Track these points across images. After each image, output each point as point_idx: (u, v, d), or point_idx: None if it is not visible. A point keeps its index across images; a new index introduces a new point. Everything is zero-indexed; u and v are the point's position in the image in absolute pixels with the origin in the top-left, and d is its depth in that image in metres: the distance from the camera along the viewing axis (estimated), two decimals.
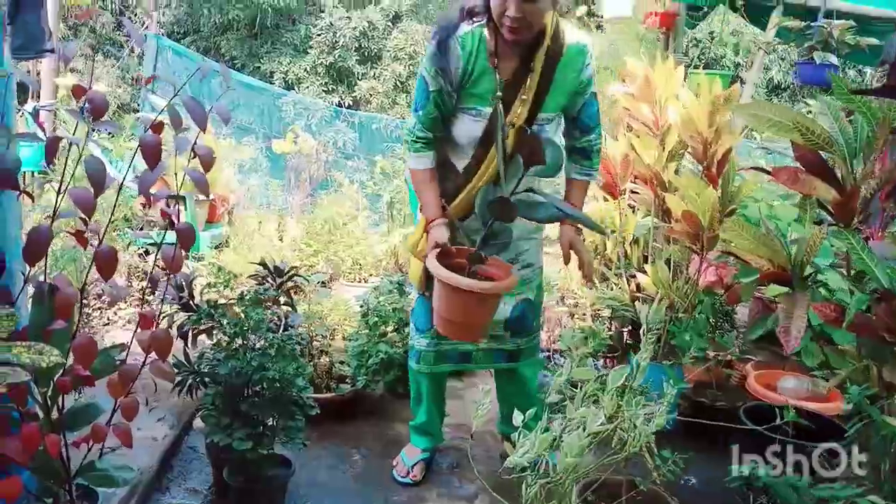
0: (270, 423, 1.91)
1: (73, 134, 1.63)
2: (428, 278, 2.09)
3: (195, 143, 1.72)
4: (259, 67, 9.96)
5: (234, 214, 4.47)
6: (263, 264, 2.69)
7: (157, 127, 1.73)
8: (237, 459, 1.90)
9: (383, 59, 9.83)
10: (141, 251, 3.92)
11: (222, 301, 2.35)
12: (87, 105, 1.57)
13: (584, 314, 3.13)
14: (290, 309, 2.66)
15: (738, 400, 2.50)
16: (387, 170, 5.18)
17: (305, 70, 9.73)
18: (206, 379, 2.04)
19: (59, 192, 1.72)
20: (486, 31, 1.94)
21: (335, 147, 6.92)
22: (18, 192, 1.55)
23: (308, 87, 9.52)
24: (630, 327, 3.23)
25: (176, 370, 2.25)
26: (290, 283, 2.72)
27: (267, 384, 1.89)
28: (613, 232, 3.44)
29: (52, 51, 4.26)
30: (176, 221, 1.77)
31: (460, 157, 2.09)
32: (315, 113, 7.69)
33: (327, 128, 7.40)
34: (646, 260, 3.39)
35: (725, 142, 2.69)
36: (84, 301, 1.72)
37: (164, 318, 2.31)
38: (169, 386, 2.04)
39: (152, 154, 1.66)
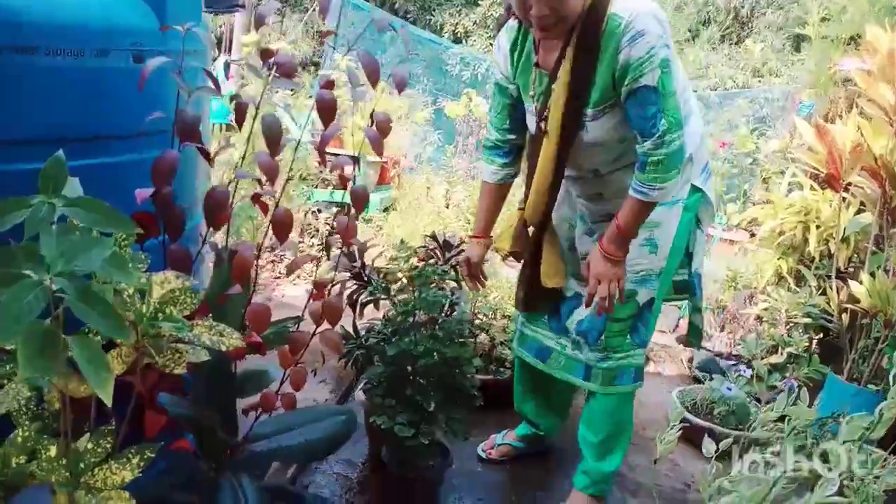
0: (433, 411, 1.82)
1: (256, 92, 1.59)
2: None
3: (373, 108, 1.63)
4: (430, 20, 9.98)
5: (402, 177, 4.45)
6: (434, 237, 2.62)
7: (331, 84, 1.65)
8: (396, 443, 1.84)
9: None
10: (314, 209, 4.01)
11: (395, 273, 2.31)
12: (273, 65, 1.52)
13: (776, 319, 2.78)
14: (455, 285, 2.57)
15: None
16: None
17: (475, 23, 9.62)
18: (373, 355, 1.99)
19: (243, 156, 1.70)
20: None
21: None
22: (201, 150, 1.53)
23: (476, 40, 9.42)
24: (822, 335, 2.85)
25: (343, 340, 2.24)
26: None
27: (434, 370, 1.80)
28: (819, 227, 3.05)
29: (242, 6, 4.43)
30: (351, 183, 1.71)
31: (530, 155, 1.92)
32: (479, 68, 7.64)
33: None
34: (851, 263, 2.97)
35: None
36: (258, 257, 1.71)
37: (334, 284, 2.30)
38: None
39: (328, 112, 1.59)
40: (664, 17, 1.56)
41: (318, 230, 3.85)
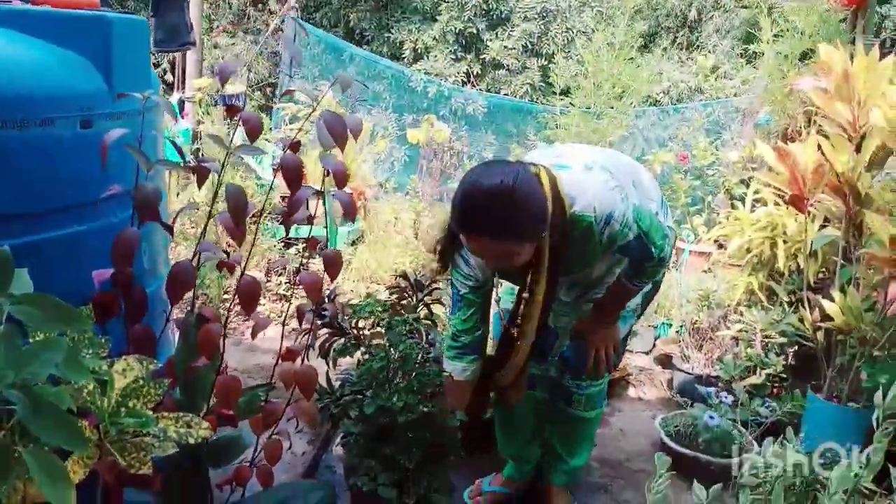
0: (415, 469, 1.76)
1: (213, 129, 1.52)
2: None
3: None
4: (388, 38, 9.87)
5: (368, 207, 4.38)
6: (405, 276, 2.56)
7: (296, 145, 1.60)
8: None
9: (512, 20, 9.50)
10: (281, 244, 3.92)
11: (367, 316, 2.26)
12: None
13: (752, 339, 2.78)
14: (430, 324, 2.52)
15: None
16: (520, 157, 4.94)
17: (434, 38, 9.52)
18: (349, 410, 1.92)
19: (208, 218, 1.63)
20: None
21: (463, 114, 6.90)
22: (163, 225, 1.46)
23: (436, 55, 9.34)
24: (796, 347, 2.86)
25: (317, 395, 2.17)
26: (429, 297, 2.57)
27: (414, 425, 1.75)
28: (786, 243, 3.07)
29: (193, 43, 4.33)
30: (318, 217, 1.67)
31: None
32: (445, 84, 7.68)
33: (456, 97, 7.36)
34: (820, 277, 2.99)
35: None
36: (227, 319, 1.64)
37: (304, 334, 2.23)
38: None
39: (294, 177, 1.53)
40: (609, 178, 1.67)
41: (284, 268, 3.76)
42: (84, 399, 1.11)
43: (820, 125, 2.67)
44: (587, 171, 1.69)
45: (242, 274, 1.49)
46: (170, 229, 1.42)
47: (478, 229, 1.55)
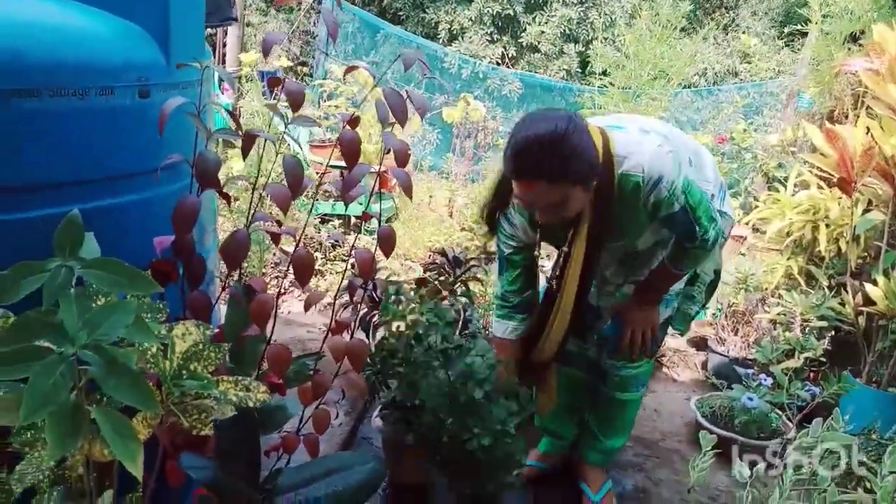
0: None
1: (268, 128, 1.54)
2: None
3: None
4: (423, 18, 9.80)
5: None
6: (443, 253, 2.58)
7: (355, 121, 1.61)
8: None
9: (551, 5, 9.37)
10: (316, 220, 3.95)
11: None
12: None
13: (791, 322, 2.75)
14: (468, 301, 2.54)
15: None
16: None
17: (470, 19, 9.43)
18: (389, 381, 1.95)
19: (253, 188, 1.65)
20: None
21: (499, 95, 6.82)
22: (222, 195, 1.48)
23: (472, 36, 9.26)
24: (833, 333, 2.82)
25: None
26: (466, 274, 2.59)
27: (477, 447, 1.73)
28: (828, 227, 3.02)
29: (235, 19, 4.36)
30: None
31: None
32: (480, 66, 7.63)
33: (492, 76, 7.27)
34: (861, 263, 2.94)
35: None
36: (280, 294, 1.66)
37: (343, 308, 2.25)
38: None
39: (353, 154, 1.54)
40: (665, 142, 1.62)
41: (320, 244, 3.80)
42: (147, 361, 1.14)
43: (869, 107, 2.61)
44: (643, 134, 1.66)
45: (297, 247, 1.51)
46: (227, 198, 1.44)
47: (534, 174, 1.52)
